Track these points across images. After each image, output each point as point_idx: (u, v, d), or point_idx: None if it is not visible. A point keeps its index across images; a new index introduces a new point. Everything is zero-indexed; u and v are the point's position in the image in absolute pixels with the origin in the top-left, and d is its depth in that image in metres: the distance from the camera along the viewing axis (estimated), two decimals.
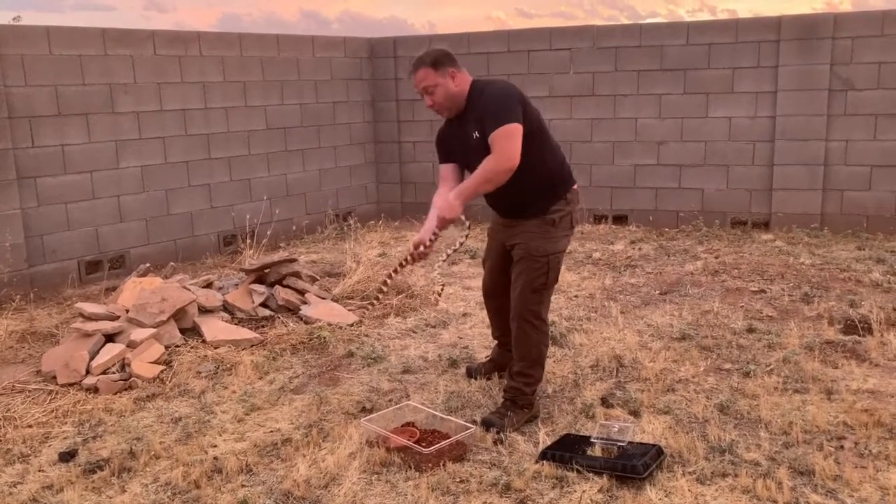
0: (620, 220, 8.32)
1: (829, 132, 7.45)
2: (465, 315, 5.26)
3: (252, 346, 4.68)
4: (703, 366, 4.22)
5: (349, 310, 5.31)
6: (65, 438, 3.59)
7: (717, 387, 3.94)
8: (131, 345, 4.36)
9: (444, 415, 3.58)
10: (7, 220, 5.85)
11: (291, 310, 5.20)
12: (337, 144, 8.67)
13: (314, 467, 3.20)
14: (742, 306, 5.28)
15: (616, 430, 3.26)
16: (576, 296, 5.65)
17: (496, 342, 4.12)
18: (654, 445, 3.19)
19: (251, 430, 3.62)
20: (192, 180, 7.19)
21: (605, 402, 3.77)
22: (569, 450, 3.18)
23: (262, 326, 5.00)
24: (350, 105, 8.80)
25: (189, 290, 4.95)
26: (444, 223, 3.39)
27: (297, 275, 5.44)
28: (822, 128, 7.44)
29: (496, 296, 3.86)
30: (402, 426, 3.48)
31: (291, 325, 5.00)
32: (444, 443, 3.24)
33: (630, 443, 3.17)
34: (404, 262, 3.57)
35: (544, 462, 3.15)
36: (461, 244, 3.89)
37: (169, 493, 3.06)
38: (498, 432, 3.42)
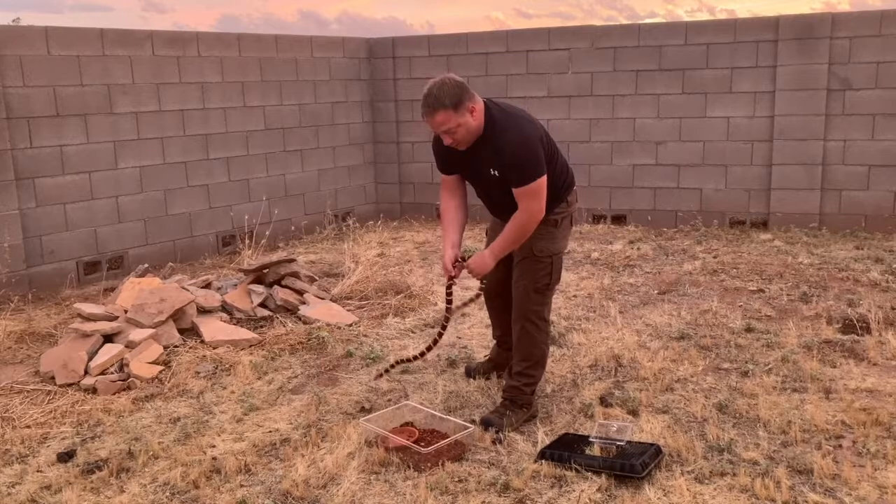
0: (619, 220, 8.32)
1: (827, 132, 7.45)
2: (463, 315, 5.26)
3: (251, 346, 4.68)
4: (701, 365, 4.22)
5: (348, 310, 5.31)
6: (63, 439, 3.59)
7: (715, 386, 3.95)
8: (130, 345, 4.36)
9: (442, 414, 3.58)
10: (5, 220, 5.85)
11: (290, 310, 5.20)
12: (335, 145, 8.66)
13: (313, 467, 3.20)
14: (740, 306, 5.28)
15: (615, 429, 3.27)
16: (574, 295, 5.66)
17: (495, 342, 4.13)
18: (652, 445, 3.19)
19: (250, 430, 3.62)
20: (191, 181, 7.19)
21: (603, 401, 3.77)
22: (567, 449, 3.18)
23: (261, 327, 5.00)
24: (349, 105, 8.79)
25: (188, 290, 4.95)
26: (477, 277, 3.62)
27: (295, 275, 5.44)
28: (821, 127, 7.45)
29: (497, 295, 3.86)
30: (401, 426, 3.48)
31: (290, 325, 5.00)
32: (442, 442, 3.25)
33: (629, 442, 3.17)
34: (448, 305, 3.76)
35: (543, 461, 3.15)
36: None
37: (168, 494, 3.06)
38: (497, 432, 3.42)
